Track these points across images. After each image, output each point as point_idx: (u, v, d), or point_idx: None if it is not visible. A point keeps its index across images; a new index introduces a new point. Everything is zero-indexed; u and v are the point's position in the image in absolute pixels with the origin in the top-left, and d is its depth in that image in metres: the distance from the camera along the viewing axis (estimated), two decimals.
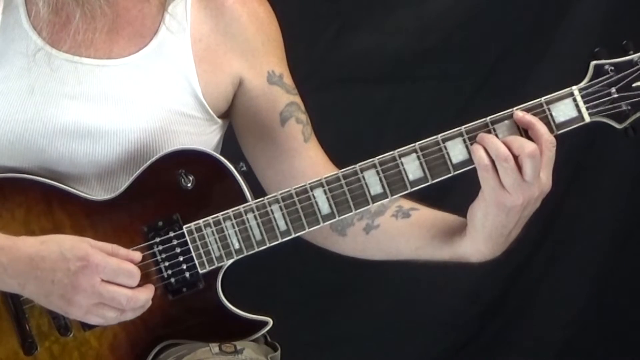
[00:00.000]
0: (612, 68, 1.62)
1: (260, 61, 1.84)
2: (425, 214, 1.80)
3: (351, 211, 1.68)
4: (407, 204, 1.80)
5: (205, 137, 1.83)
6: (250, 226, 1.69)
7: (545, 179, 1.63)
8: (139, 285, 1.66)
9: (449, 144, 1.65)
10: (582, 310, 2.95)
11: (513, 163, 1.60)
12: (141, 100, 1.76)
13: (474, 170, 1.65)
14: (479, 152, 1.62)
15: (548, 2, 2.81)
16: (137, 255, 1.67)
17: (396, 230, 1.80)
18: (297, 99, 1.87)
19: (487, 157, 1.61)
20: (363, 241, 1.83)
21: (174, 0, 1.80)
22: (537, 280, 2.95)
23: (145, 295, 1.66)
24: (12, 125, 1.73)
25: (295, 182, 1.76)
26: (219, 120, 1.85)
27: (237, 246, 1.70)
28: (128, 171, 1.75)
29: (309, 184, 1.68)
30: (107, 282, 1.63)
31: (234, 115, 1.87)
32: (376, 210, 1.80)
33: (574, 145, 2.66)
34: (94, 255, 1.62)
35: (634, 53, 1.62)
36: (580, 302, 2.95)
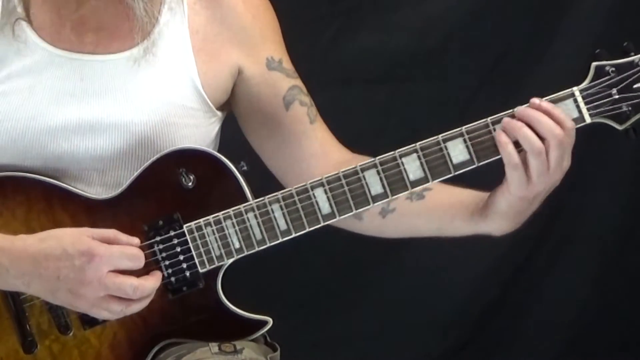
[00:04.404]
0: (613, 69, 1.63)
1: (258, 49, 1.84)
2: (440, 194, 1.78)
3: (352, 211, 1.68)
4: None
5: (204, 129, 1.83)
6: (250, 225, 1.69)
7: (566, 162, 1.63)
8: (144, 274, 1.66)
9: (449, 144, 1.65)
10: (582, 310, 2.95)
11: (544, 156, 1.60)
12: (141, 93, 1.76)
13: (474, 170, 1.65)
14: (508, 149, 1.62)
15: (548, 2, 2.81)
16: (136, 240, 1.67)
17: (413, 212, 1.79)
18: (299, 82, 1.86)
19: (517, 155, 1.61)
20: (380, 224, 1.82)
21: None
22: (537, 280, 2.95)
23: (152, 284, 1.65)
24: (14, 124, 1.73)
25: (306, 164, 1.77)
26: (218, 112, 1.85)
27: (237, 245, 1.70)
28: (129, 165, 1.75)
29: (310, 183, 1.68)
30: (113, 272, 1.62)
31: (236, 106, 1.87)
32: None
33: (575, 144, 2.65)
34: (96, 247, 1.62)
35: (634, 54, 1.62)
36: (581, 302, 2.95)
